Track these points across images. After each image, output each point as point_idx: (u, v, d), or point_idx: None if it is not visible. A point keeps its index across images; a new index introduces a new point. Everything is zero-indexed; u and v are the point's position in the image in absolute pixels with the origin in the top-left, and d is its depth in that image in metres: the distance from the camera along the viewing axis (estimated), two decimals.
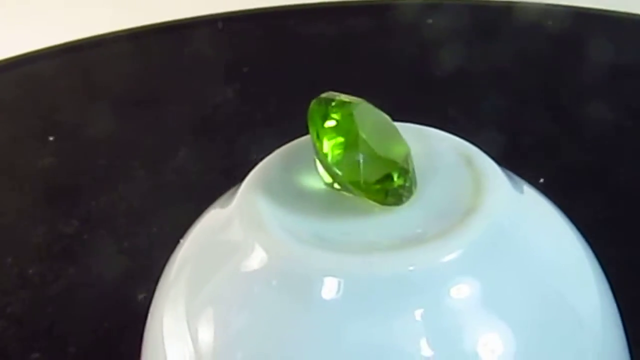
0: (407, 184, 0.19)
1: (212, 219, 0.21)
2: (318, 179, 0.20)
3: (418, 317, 0.18)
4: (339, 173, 0.19)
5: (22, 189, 0.38)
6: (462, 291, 0.18)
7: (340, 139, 0.19)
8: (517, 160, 0.35)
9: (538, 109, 0.40)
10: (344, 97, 0.19)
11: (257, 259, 0.18)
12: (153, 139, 0.40)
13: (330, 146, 0.19)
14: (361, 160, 0.19)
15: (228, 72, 0.45)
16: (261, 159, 0.21)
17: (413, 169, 0.19)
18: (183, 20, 0.48)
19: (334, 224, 0.19)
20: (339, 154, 0.19)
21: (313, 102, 0.19)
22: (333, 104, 0.19)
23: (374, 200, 0.19)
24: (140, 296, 0.29)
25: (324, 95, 0.19)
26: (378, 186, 0.19)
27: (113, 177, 0.38)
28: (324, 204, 0.19)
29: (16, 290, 0.32)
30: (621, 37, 0.44)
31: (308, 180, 0.20)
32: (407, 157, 0.19)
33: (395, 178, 0.19)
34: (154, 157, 0.39)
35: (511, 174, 0.21)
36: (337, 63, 0.44)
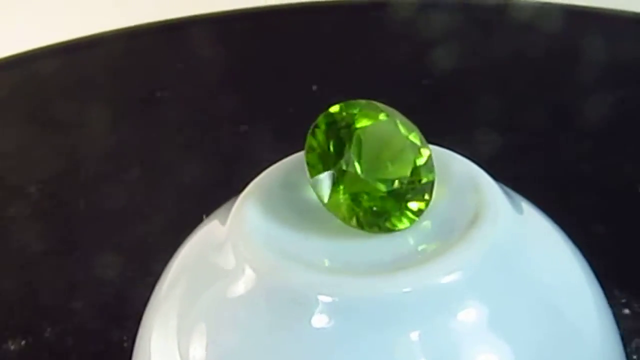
0: (389, 212, 0.19)
1: (206, 235, 0.20)
2: (315, 196, 0.19)
3: (414, 340, 0.17)
4: (316, 189, 0.19)
5: (17, 189, 0.37)
6: (459, 313, 0.18)
7: (319, 152, 0.19)
8: (513, 160, 0.35)
9: (534, 108, 0.40)
10: (367, 107, 0.19)
11: (249, 279, 0.18)
12: (151, 139, 0.40)
13: (312, 159, 0.19)
14: (335, 178, 0.19)
15: (227, 71, 0.45)
16: (262, 170, 0.21)
17: (407, 199, 0.19)
18: (181, 19, 0.48)
19: (329, 245, 0.19)
20: (320, 168, 0.19)
21: (326, 111, 0.19)
22: (342, 112, 0.19)
23: (344, 222, 0.19)
24: (132, 306, 0.29)
25: (348, 102, 0.19)
26: (350, 209, 0.19)
27: (109, 178, 0.37)
28: (320, 223, 0.19)
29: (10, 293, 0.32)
30: (616, 35, 0.43)
31: (305, 198, 0.20)
32: (403, 184, 0.19)
33: (366, 202, 0.19)
34: (151, 157, 0.38)
35: (510, 191, 0.21)
36: (336, 63, 0.44)
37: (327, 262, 0.18)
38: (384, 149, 0.19)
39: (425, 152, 0.19)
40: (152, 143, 0.39)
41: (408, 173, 0.19)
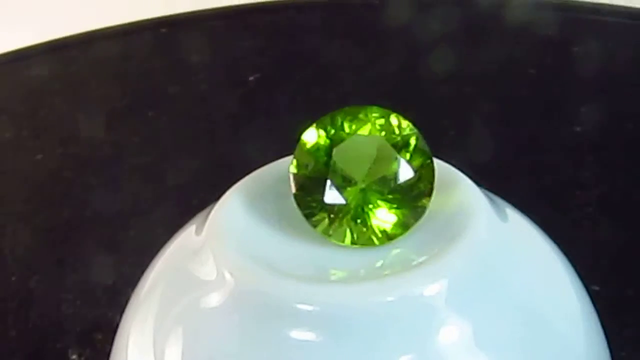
0: (359, 227, 0.18)
1: (184, 241, 0.20)
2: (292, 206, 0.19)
3: (395, 349, 0.17)
4: (295, 197, 0.19)
5: (8, 190, 0.37)
6: (442, 322, 0.17)
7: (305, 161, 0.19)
8: (506, 166, 0.35)
9: (529, 111, 0.39)
10: (365, 115, 0.18)
11: (225, 286, 0.18)
12: (144, 140, 0.39)
13: (297, 167, 0.19)
14: (306, 182, 0.18)
15: (222, 70, 0.44)
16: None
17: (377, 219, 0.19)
18: (174, 17, 0.48)
19: (308, 253, 0.18)
20: (303, 176, 0.18)
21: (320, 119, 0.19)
22: (336, 120, 0.18)
23: (318, 231, 0.18)
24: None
25: (347, 109, 0.19)
26: (324, 220, 0.18)
27: (103, 178, 0.37)
28: (300, 231, 0.19)
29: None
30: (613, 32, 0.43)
31: (286, 205, 0.19)
32: (375, 203, 0.18)
33: (339, 215, 0.18)
34: (145, 158, 0.38)
35: (495, 197, 0.20)
36: (333, 61, 0.44)
37: (305, 271, 0.18)
38: (366, 164, 0.18)
39: (417, 175, 0.18)
40: (144, 144, 0.39)
41: (386, 192, 0.18)
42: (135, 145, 0.39)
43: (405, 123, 0.19)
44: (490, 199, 0.20)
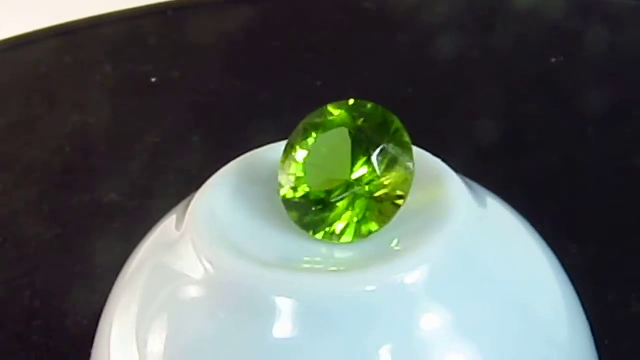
0: (328, 217, 0.18)
1: (167, 230, 0.20)
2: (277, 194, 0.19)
3: (377, 338, 0.17)
4: (279, 188, 0.18)
5: (13, 177, 0.37)
6: (424, 310, 0.17)
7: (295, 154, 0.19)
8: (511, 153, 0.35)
9: (534, 98, 0.39)
10: (351, 110, 0.18)
11: (207, 278, 0.18)
12: (149, 125, 0.39)
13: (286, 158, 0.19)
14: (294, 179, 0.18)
15: (227, 56, 0.44)
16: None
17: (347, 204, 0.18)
18: (180, 2, 0.48)
19: (291, 245, 0.18)
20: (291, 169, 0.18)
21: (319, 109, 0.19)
22: (329, 113, 0.18)
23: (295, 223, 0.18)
24: None
25: (343, 102, 0.18)
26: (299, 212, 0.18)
27: (107, 163, 0.37)
28: (284, 222, 0.19)
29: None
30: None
31: (269, 194, 0.19)
32: (345, 188, 0.18)
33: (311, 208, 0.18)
34: (149, 143, 0.38)
35: (476, 185, 0.20)
36: (336, 50, 0.43)
37: (285, 262, 0.18)
38: (346, 158, 0.18)
39: (396, 170, 0.18)
40: (150, 129, 0.39)
41: (365, 187, 0.18)
42: (140, 130, 0.39)
43: (390, 117, 0.18)
44: (473, 190, 0.20)
